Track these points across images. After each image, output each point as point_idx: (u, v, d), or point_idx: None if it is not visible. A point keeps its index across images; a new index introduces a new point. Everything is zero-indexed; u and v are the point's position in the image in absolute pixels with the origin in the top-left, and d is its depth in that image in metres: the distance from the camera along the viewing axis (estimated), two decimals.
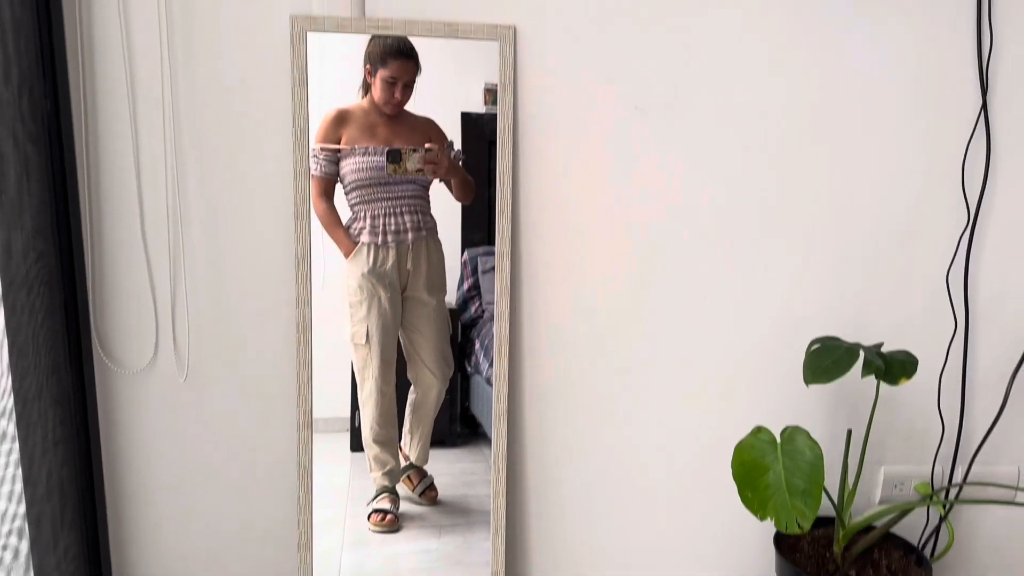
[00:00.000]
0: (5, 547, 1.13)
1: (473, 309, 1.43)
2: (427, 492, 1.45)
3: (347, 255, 1.33)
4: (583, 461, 1.45)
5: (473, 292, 1.42)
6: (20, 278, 1.12)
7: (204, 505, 1.38)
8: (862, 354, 1.22)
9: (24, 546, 1.17)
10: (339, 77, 1.27)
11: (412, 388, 1.42)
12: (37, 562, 1.19)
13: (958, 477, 1.49)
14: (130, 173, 1.25)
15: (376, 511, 1.42)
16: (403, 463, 1.44)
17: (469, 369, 1.45)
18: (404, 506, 1.44)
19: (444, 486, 1.46)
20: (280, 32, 1.23)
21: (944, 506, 1.46)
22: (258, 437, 1.36)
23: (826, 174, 1.37)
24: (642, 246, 1.37)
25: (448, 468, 1.47)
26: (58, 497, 1.24)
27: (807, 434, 1.21)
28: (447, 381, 1.43)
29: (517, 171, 1.32)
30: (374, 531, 1.42)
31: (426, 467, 1.45)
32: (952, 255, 1.40)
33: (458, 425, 1.46)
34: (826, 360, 1.24)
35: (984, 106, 1.35)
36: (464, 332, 1.43)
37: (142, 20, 1.21)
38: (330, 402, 1.38)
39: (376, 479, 1.43)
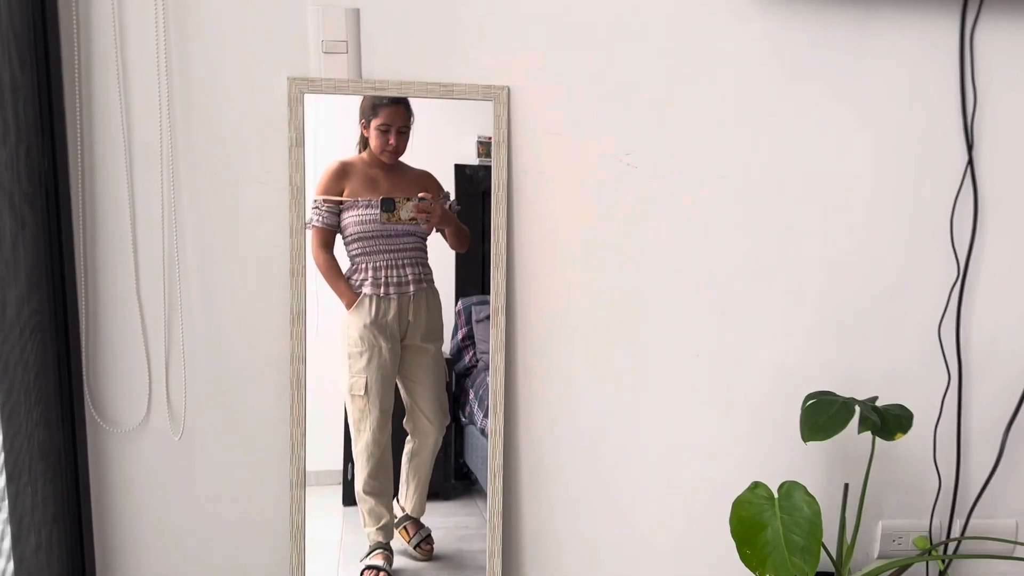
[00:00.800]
0: None
1: (467, 359, 1.43)
2: (422, 545, 1.43)
3: (348, 307, 1.34)
4: (580, 518, 1.44)
5: (467, 342, 1.43)
6: (14, 336, 1.12)
7: (196, 565, 1.36)
8: (858, 410, 1.22)
9: None
10: (337, 135, 1.29)
11: (408, 438, 1.41)
12: None
13: (956, 530, 1.49)
14: (126, 231, 1.25)
15: (369, 568, 1.40)
16: (399, 514, 1.43)
17: (464, 419, 1.45)
18: (398, 561, 1.42)
19: (438, 540, 1.44)
20: (278, 94, 1.25)
21: (943, 560, 1.45)
22: (251, 495, 1.35)
23: (817, 229, 1.38)
24: (637, 300, 1.38)
25: (442, 522, 1.45)
26: (46, 556, 1.23)
27: (804, 489, 1.20)
28: (443, 429, 1.42)
29: (511, 226, 1.34)
30: None
31: (422, 519, 1.44)
32: (943, 308, 1.41)
33: (452, 477, 1.46)
34: (822, 416, 1.24)
35: (970, 161, 1.37)
36: (458, 382, 1.43)
37: (141, 82, 1.22)
38: (323, 455, 1.37)
39: (370, 534, 1.41)
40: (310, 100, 1.25)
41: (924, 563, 1.49)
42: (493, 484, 1.37)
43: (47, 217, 1.20)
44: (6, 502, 1.12)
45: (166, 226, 1.26)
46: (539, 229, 1.35)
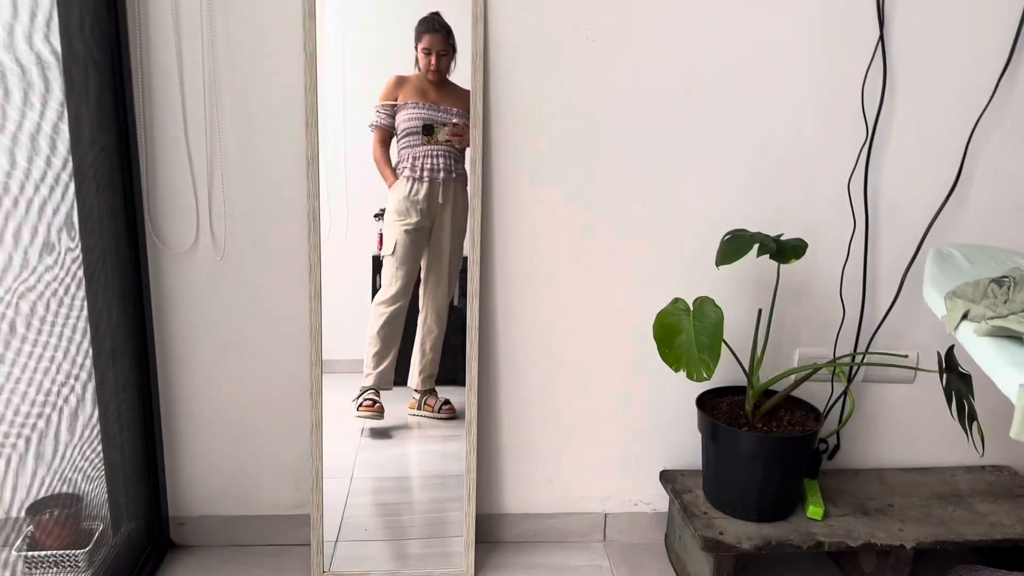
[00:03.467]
0: (77, 376, 1.46)
1: None
2: (445, 407, 1.73)
3: (390, 186, 1.64)
4: (542, 339, 1.75)
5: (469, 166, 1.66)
6: (89, 158, 1.43)
7: (235, 364, 1.71)
8: (759, 240, 1.50)
9: (91, 386, 1.50)
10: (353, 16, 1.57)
11: (420, 319, 1.70)
12: (102, 401, 1.53)
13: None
14: (175, 88, 1.55)
15: (365, 400, 1.71)
16: (417, 390, 1.74)
17: None
18: (414, 418, 1.75)
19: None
20: None
21: (847, 373, 1.73)
22: (279, 306, 1.68)
23: (747, 97, 1.63)
24: (593, 153, 1.65)
25: (458, 400, 1.74)
26: (120, 342, 1.58)
27: (713, 301, 1.49)
28: (446, 312, 1.71)
29: (487, 89, 1.60)
30: (362, 416, 1.72)
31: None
32: (853, 166, 1.66)
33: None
34: (732, 246, 1.51)
35: (881, 37, 1.60)
36: None
37: None
38: (348, 345, 1.68)
39: (370, 377, 1.71)
40: None
41: (830, 383, 1.78)
42: (472, 305, 1.68)
43: (112, 74, 1.50)
44: (84, 289, 1.45)
45: (207, 84, 1.55)
46: (514, 91, 1.61)
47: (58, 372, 1.39)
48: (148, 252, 1.63)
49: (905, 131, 1.65)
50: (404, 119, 1.60)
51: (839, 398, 1.78)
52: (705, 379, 1.45)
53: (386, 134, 1.62)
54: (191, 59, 1.54)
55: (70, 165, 1.37)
